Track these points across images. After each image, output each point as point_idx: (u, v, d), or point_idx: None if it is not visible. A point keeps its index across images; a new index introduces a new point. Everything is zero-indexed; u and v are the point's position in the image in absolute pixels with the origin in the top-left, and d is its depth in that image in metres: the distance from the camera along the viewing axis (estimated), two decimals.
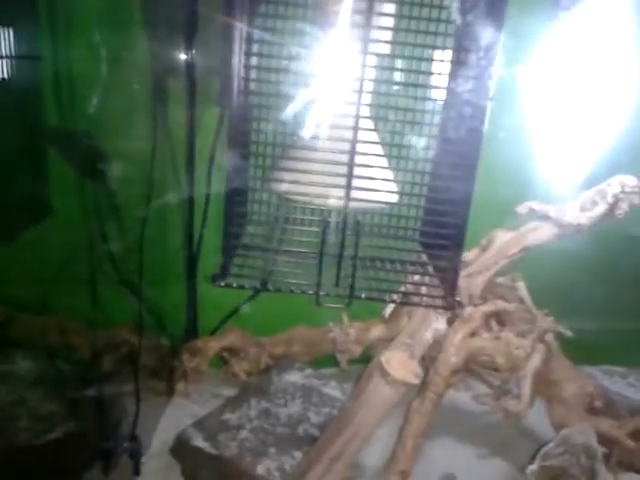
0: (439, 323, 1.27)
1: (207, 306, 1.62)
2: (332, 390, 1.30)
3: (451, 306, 0.91)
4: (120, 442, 1.07)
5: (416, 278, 0.93)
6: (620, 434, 1.08)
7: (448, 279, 0.89)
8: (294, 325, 1.54)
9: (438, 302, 0.90)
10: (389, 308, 1.32)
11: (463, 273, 1.38)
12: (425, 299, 0.91)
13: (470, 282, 1.35)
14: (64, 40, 1.21)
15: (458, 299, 0.91)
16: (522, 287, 1.33)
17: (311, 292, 0.87)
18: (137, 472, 1.09)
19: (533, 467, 0.80)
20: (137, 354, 1.19)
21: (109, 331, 1.41)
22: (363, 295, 0.87)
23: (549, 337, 1.17)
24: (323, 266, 0.88)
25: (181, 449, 1.11)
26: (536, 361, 1.14)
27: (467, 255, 1.43)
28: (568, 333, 1.15)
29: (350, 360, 1.38)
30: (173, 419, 1.31)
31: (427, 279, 0.92)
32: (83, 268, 1.31)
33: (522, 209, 1.29)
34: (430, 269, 0.95)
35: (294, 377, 1.31)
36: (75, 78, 1.25)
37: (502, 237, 1.36)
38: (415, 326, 1.25)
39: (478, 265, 1.36)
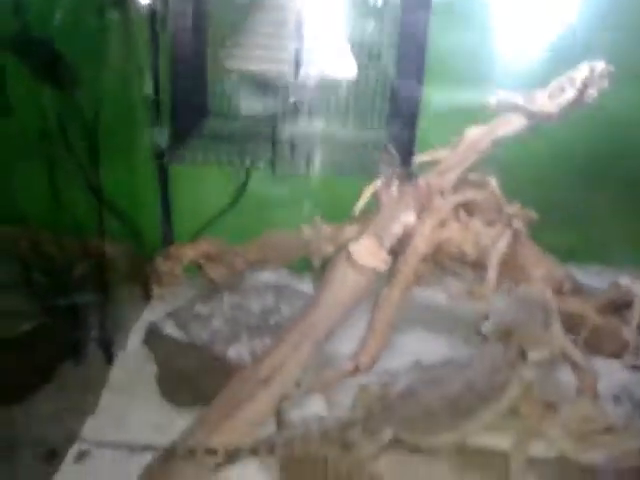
0: (408, 217, 1.27)
1: (184, 217, 1.62)
2: (306, 287, 1.31)
3: (406, 173, 0.90)
4: (89, 331, 1.09)
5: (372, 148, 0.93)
6: (586, 310, 1.10)
7: (403, 148, 0.88)
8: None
9: (393, 169, 0.89)
10: (360, 203, 1.31)
11: (434, 170, 1.38)
12: (382, 170, 0.90)
13: (441, 179, 1.34)
14: None
15: (413, 167, 0.90)
16: (493, 182, 1.33)
17: (264, 163, 0.86)
18: (109, 361, 1.11)
19: (487, 324, 0.81)
20: (102, 238, 1.18)
21: (83, 241, 1.41)
22: (318, 163, 0.86)
23: (516, 223, 1.17)
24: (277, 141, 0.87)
25: (153, 338, 1.12)
26: (502, 245, 1.14)
27: (439, 154, 1.42)
28: (533, 215, 1.15)
29: (324, 260, 1.39)
30: (149, 320, 1.33)
31: (383, 146, 0.91)
32: (47, 173, 1.30)
33: (491, 100, 1.28)
34: (387, 142, 0.94)
35: (267, 276, 1.33)
36: None
37: (472, 133, 1.34)
38: (384, 219, 1.25)
39: (449, 162, 1.35)
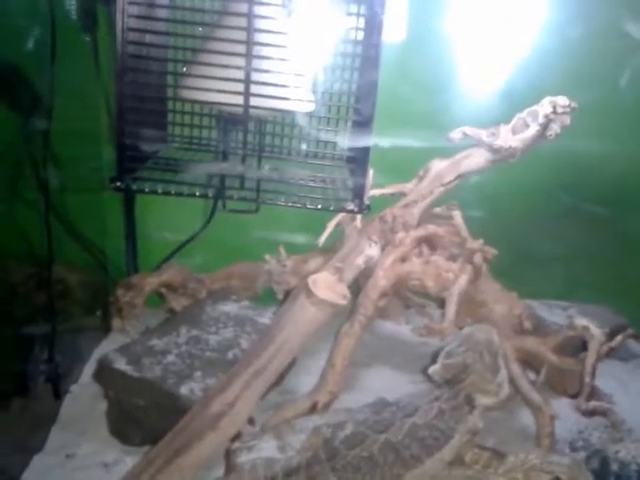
0: (372, 250, 1.26)
1: (150, 246, 1.59)
2: (267, 320, 1.28)
3: (361, 209, 0.89)
4: (38, 364, 1.05)
5: (327, 183, 0.91)
6: (544, 350, 1.09)
7: (357, 181, 0.87)
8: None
9: (348, 205, 0.88)
10: (324, 236, 1.30)
11: (399, 203, 1.38)
12: (335, 203, 0.89)
13: (406, 212, 1.33)
14: None
15: (368, 203, 0.89)
16: (458, 216, 1.32)
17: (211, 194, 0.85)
18: (58, 396, 1.07)
19: (436, 367, 0.79)
20: (49, 275, 1.15)
21: (36, 268, 1.37)
22: (268, 198, 0.85)
23: (477, 258, 1.17)
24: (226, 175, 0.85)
25: (104, 373, 1.08)
26: (463, 281, 1.13)
27: (405, 186, 1.42)
28: (493, 252, 1.14)
29: (287, 292, 1.37)
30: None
31: (338, 182, 0.90)
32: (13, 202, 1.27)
33: (455, 134, 1.28)
34: (340, 174, 0.93)
35: (229, 307, 1.30)
36: None
37: (437, 166, 1.34)
38: (347, 251, 1.24)
39: (414, 195, 1.34)
